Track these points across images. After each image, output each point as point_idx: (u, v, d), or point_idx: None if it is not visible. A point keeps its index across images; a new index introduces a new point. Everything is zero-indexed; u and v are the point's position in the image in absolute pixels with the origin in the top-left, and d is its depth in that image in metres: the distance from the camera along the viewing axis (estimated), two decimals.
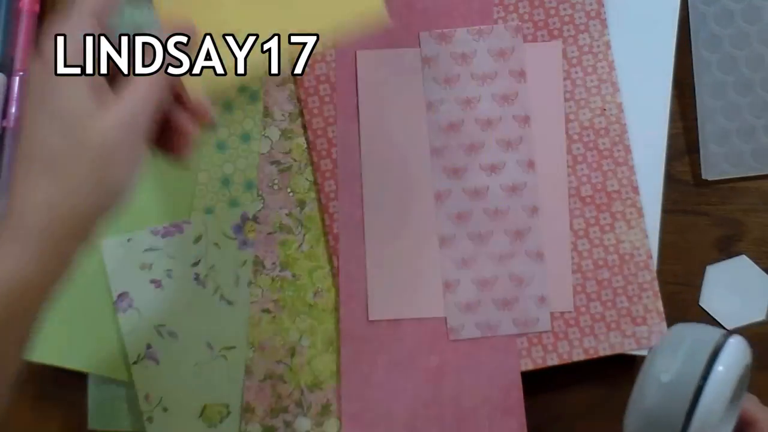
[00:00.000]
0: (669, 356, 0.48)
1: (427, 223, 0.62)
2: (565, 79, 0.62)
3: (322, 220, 0.62)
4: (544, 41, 0.63)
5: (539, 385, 0.61)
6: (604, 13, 0.62)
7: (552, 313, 0.61)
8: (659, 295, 0.61)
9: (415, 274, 0.61)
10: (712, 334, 0.49)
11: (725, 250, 0.63)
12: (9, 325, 0.46)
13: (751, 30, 0.62)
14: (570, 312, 0.61)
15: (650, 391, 0.48)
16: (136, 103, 0.47)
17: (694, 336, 0.49)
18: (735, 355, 0.48)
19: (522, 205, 0.61)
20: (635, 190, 0.61)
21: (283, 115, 0.63)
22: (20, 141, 0.47)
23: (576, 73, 0.62)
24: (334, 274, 0.62)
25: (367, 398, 0.61)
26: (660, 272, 0.61)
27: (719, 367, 0.47)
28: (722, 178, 0.63)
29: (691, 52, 0.63)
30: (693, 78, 0.63)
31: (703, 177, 0.62)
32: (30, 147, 0.46)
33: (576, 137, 0.62)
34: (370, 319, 0.61)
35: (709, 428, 0.47)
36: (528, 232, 0.61)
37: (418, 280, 0.61)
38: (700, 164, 0.63)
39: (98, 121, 0.45)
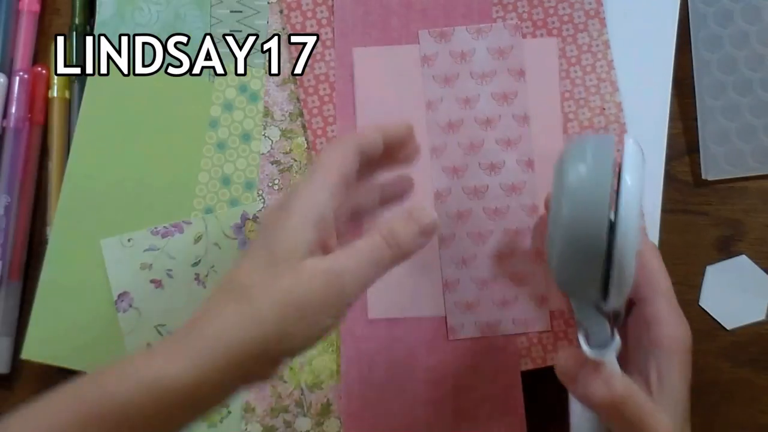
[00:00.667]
0: (578, 165, 0.47)
1: None
2: (564, 78, 0.62)
3: None
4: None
5: (539, 385, 0.61)
6: (603, 12, 0.63)
7: (552, 312, 0.61)
8: None
9: (415, 273, 0.61)
10: (609, 140, 0.49)
11: (725, 250, 0.63)
12: (150, 421, 0.44)
13: (751, 30, 0.62)
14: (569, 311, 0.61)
15: (567, 200, 0.47)
16: (347, 261, 0.47)
17: (595, 144, 0.48)
18: (635, 157, 0.48)
19: (521, 204, 0.61)
20: None
21: (283, 115, 0.63)
22: (235, 263, 0.47)
23: (575, 72, 0.62)
24: None
25: (367, 397, 0.61)
26: None
27: (626, 175, 0.47)
28: (722, 178, 0.63)
29: (691, 52, 0.63)
30: (693, 78, 0.63)
31: (703, 177, 0.62)
32: (233, 276, 0.46)
33: (575, 137, 0.62)
34: (369, 317, 0.61)
35: (631, 229, 0.46)
36: (528, 232, 0.61)
37: (418, 279, 0.61)
38: (700, 164, 0.63)
39: (303, 268, 0.46)
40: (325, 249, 0.47)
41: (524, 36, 0.62)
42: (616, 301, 0.49)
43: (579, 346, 0.50)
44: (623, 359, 0.52)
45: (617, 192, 0.47)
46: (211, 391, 0.45)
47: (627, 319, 0.54)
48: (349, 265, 0.47)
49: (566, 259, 0.48)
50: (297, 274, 0.46)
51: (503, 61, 0.62)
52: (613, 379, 0.49)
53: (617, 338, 0.50)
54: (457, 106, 0.62)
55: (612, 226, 0.47)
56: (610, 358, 0.50)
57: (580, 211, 0.47)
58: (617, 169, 0.48)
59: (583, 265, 0.47)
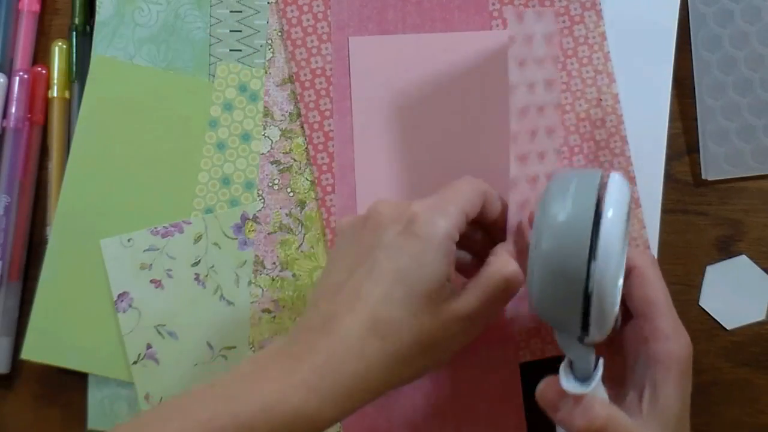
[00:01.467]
0: (560, 200, 0.47)
1: None
2: (560, 70, 0.62)
3: (320, 214, 0.62)
4: None
5: (538, 376, 0.61)
6: (600, 3, 0.63)
7: None
8: None
9: None
10: (594, 175, 0.49)
11: (725, 250, 0.63)
12: None
13: (750, 30, 0.62)
14: None
15: (547, 234, 0.47)
16: (482, 307, 0.48)
17: (579, 179, 0.48)
18: (620, 192, 0.48)
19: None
20: (632, 181, 0.62)
21: (283, 115, 0.63)
22: (350, 281, 0.48)
23: (572, 64, 0.62)
24: None
25: None
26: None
27: (608, 211, 0.46)
28: (722, 178, 0.63)
29: (691, 52, 0.63)
30: (693, 78, 0.63)
31: (703, 177, 0.62)
32: (366, 301, 0.47)
33: (572, 128, 0.62)
34: None
35: (611, 266, 0.46)
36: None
37: None
38: (699, 164, 0.63)
39: (443, 312, 0.47)
40: (450, 275, 0.49)
41: None
42: (597, 335, 0.48)
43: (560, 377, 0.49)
44: (621, 373, 0.52)
45: (598, 227, 0.46)
46: (330, 417, 0.46)
47: (624, 330, 0.53)
48: (482, 308, 0.48)
49: (545, 293, 0.47)
50: (438, 318, 0.47)
51: (551, 47, 0.60)
52: (593, 408, 0.48)
53: (600, 370, 0.49)
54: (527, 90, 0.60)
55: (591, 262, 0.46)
56: (591, 389, 0.49)
57: (559, 245, 0.46)
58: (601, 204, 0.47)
59: (562, 300, 0.47)
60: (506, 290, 0.50)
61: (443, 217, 0.48)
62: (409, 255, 0.47)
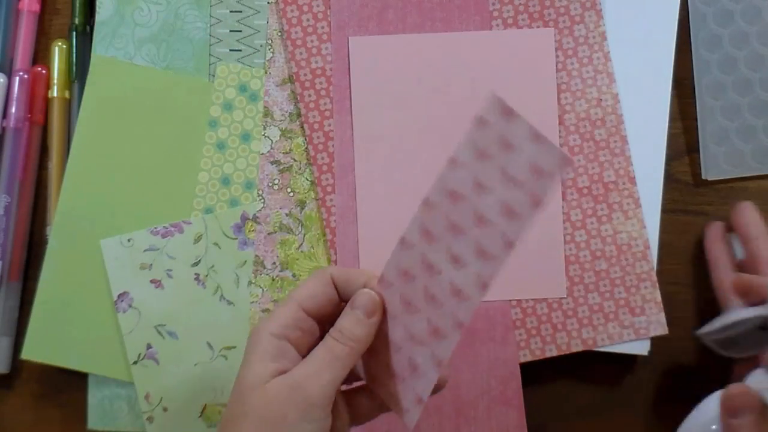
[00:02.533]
0: None
1: None
2: (560, 70, 0.62)
3: (320, 214, 0.62)
4: None
5: (539, 384, 0.61)
6: (600, 3, 0.63)
7: (550, 305, 0.61)
8: (657, 285, 0.61)
9: None
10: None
11: None
12: None
13: (750, 30, 0.62)
14: (567, 303, 0.61)
15: None
16: (306, 369, 0.49)
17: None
18: None
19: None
20: (632, 180, 0.62)
21: (283, 115, 0.63)
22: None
23: (572, 64, 0.62)
24: None
25: None
26: (660, 272, 0.61)
27: None
28: (722, 178, 0.63)
29: (691, 52, 0.63)
30: (693, 78, 0.63)
31: (703, 177, 0.62)
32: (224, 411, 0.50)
33: (572, 128, 0.62)
34: None
35: None
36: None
37: None
38: (700, 164, 0.63)
39: (268, 389, 0.48)
40: (285, 369, 0.49)
41: (520, 28, 0.63)
42: None
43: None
44: None
45: None
46: None
47: None
48: (309, 371, 0.48)
49: None
50: (263, 394, 0.48)
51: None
52: None
53: None
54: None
55: None
56: None
57: None
58: None
59: None
60: (337, 357, 0.50)
61: (270, 320, 0.49)
62: (243, 359, 0.49)
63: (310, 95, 0.63)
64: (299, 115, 0.63)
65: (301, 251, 0.62)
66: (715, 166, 0.62)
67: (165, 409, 0.61)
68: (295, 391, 0.48)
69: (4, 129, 0.63)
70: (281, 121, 0.63)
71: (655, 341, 0.61)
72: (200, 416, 0.62)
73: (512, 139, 0.47)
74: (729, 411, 0.52)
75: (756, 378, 0.53)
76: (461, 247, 0.49)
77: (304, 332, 0.50)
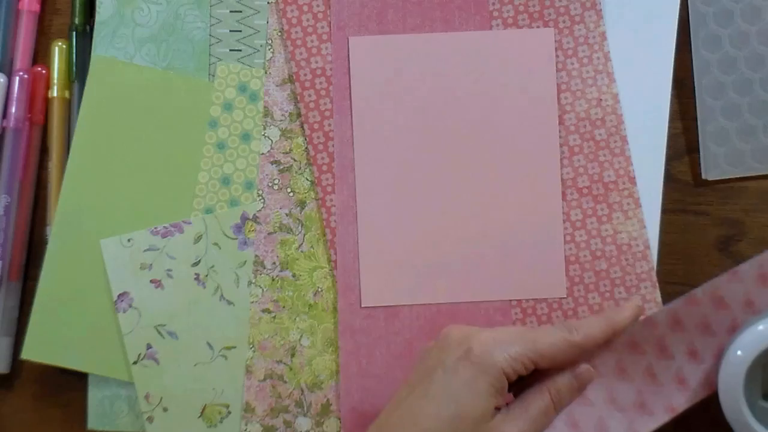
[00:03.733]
0: None
1: (421, 211, 0.62)
2: (560, 70, 0.62)
3: (320, 214, 0.62)
4: None
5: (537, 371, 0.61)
6: (600, 3, 0.63)
7: (550, 305, 0.61)
8: (657, 285, 0.61)
9: (409, 261, 0.61)
10: None
11: (725, 250, 0.63)
12: None
13: (751, 30, 0.62)
14: (567, 303, 0.61)
15: None
16: (526, 428, 0.51)
17: None
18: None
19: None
20: (632, 180, 0.62)
21: (283, 115, 0.63)
22: (408, 399, 0.52)
23: (572, 64, 0.62)
24: (334, 269, 0.62)
25: (366, 390, 0.61)
26: (660, 272, 0.61)
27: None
28: (722, 178, 0.63)
29: (691, 52, 0.63)
30: (693, 78, 0.63)
31: (703, 177, 0.62)
32: (416, 417, 0.50)
33: (572, 128, 0.62)
34: (363, 305, 0.61)
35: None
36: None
37: (412, 266, 0.61)
38: (700, 164, 0.63)
39: (488, 430, 0.50)
40: (499, 405, 0.51)
41: (520, 28, 0.63)
42: None
43: None
44: None
45: None
46: None
47: None
48: (525, 428, 0.51)
49: None
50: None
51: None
52: None
53: None
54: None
55: None
56: None
57: None
58: None
59: None
60: (547, 419, 0.52)
61: (502, 353, 0.51)
62: (461, 380, 0.50)
63: (310, 95, 0.63)
64: (299, 115, 0.63)
65: (301, 251, 0.62)
66: (715, 166, 0.62)
67: (165, 409, 0.61)
68: None
69: (4, 129, 0.63)
70: (281, 121, 0.63)
71: None
72: (200, 416, 0.62)
73: None
74: None
75: None
76: (706, 346, 0.56)
77: (518, 376, 0.52)
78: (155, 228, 0.62)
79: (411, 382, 0.53)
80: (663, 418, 0.56)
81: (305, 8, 0.63)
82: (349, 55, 0.63)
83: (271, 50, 0.63)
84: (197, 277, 0.62)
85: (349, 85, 0.62)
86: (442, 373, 0.51)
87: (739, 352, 0.54)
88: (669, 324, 0.56)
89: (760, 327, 0.54)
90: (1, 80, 0.63)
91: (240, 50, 0.63)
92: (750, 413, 0.53)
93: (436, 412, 0.50)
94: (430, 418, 0.50)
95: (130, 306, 0.62)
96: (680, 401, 0.55)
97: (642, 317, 0.57)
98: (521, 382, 0.53)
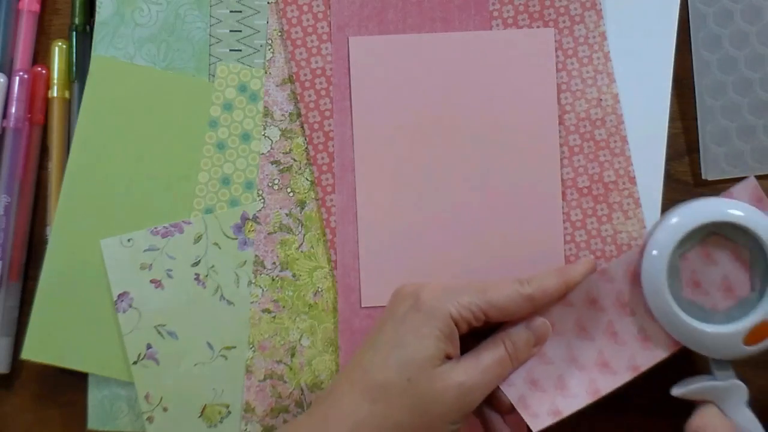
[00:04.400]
0: None
1: (421, 211, 0.62)
2: (560, 70, 0.62)
3: (320, 214, 0.62)
4: None
5: None
6: (600, 3, 0.63)
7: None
8: None
9: (409, 261, 0.61)
10: None
11: None
12: None
13: (751, 30, 0.62)
14: None
15: None
16: (479, 376, 0.50)
17: None
18: None
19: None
20: (632, 180, 0.62)
21: (283, 115, 0.63)
22: (358, 355, 0.52)
23: (572, 64, 0.62)
24: (334, 269, 0.62)
25: None
26: None
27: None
28: (722, 178, 0.63)
29: (691, 52, 0.63)
30: (693, 78, 0.63)
31: (703, 177, 0.62)
32: (365, 368, 0.50)
33: (572, 128, 0.62)
34: (363, 305, 0.61)
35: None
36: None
37: (412, 266, 0.61)
38: (700, 164, 0.63)
39: (437, 377, 0.49)
40: (450, 353, 0.51)
41: (520, 28, 0.63)
42: None
43: None
44: None
45: None
46: None
47: None
48: (479, 380, 0.50)
49: None
50: (431, 384, 0.49)
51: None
52: None
53: None
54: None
55: None
56: None
57: None
58: None
59: None
60: (502, 369, 0.52)
61: (451, 300, 0.51)
62: (410, 326, 0.50)
63: (310, 95, 0.63)
64: (299, 115, 0.63)
65: (301, 251, 0.62)
66: (715, 166, 0.62)
67: (165, 409, 0.61)
68: (462, 398, 0.49)
69: (4, 129, 0.63)
70: (281, 121, 0.63)
71: None
72: (200, 416, 0.62)
73: None
74: None
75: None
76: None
77: (470, 327, 0.52)
78: (155, 228, 0.62)
79: (364, 339, 0.53)
80: (626, 376, 0.55)
81: (305, 8, 0.63)
82: (349, 55, 0.63)
83: (271, 50, 0.63)
84: (197, 277, 0.62)
85: (349, 85, 0.62)
86: (391, 323, 0.51)
87: (654, 252, 0.54)
88: (628, 278, 0.56)
89: (674, 220, 0.55)
90: (1, 80, 0.63)
91: (240, 50, 0.63)
92: (678, 307, 0.54)
93: (383, 360, 0.50)
94: (377, 367, 0.50)
95: (130, 306, 0.62)
96: (644, 360, 0.55)
97: (598, 270, 0.56)
98: (478, 340, 0.53)
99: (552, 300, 0.54)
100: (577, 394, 0.54)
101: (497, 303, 0.52)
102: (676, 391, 0.55)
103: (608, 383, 0.55)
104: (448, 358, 0.51)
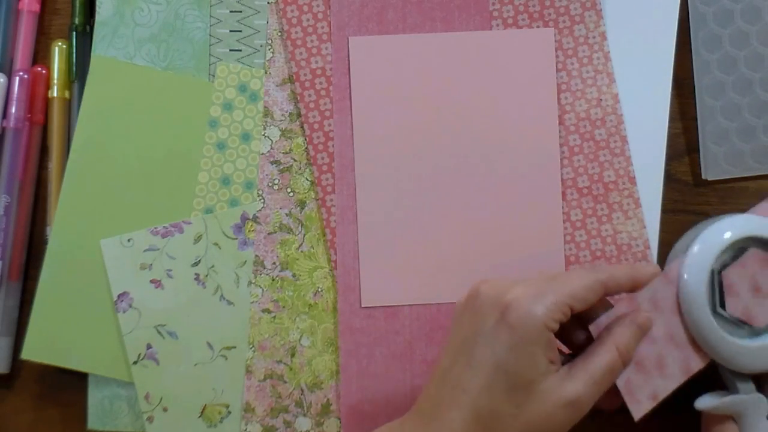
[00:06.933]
0: None
1: (421, 211, 0.62)
2: (560, 70, 0.62)
3: (320, 214, 0.62)
4: None
5: None
6: (600, 3, 0.63)
7: None
8: None
9: (409, 261, 0.61)
10: None
11: None
12: None
13: (751, 30, 0.62)
14: None
15: None
16: (591, 389, 0.48)
17: None
18: None
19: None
20: (632, 180, 0.62)
21: (283, 115, 0.63)
22: (449, 369, 0.50)
23: (572, 64, 0.62)
24: (333, 269, 0.62)
25: (365, 390, 0.61)
26: None
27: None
28: (722, 178, 0.63)
29: (691, 52, 0.63)
30: (693, 78, 0.63)
31: (703, 177, 0.62)
32: (467, 390, 0.48)
33: (573, 128, 0.62)
34: (363, 305, 0.61)
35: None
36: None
37: (412, 266, 0.61)
38: (700, 164, 0.63)
39: (547, 398, 0.47)
40: (552, 359, 0.49)
41: (520, 28, 0.63)
42: None
43: None
44: None
45: None
46: None
47: None
48: (591, 392, 0.48)
49: None
50: (543, 406, 0.47)
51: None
52: None
53: None
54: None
55: None
56: None
57: None
58: None
59: None
60: (613, 376, 0.50)
61: (540, 307, 0.48)
62: (505, 346, 0.48)
63: (310, 95, 0.63)
64: (299, 115, 0.63)
65: (301, 251, 0.62)
66: (715, 166, 0.62)
67: (165, 409, 0.61)
68: (574, 416, 0.48)
69: (4, 129, 0.63)
70: (281, 121, 0.63)
71: None
72: (200, 416, 0.62)
73: None
74: None
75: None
76: None
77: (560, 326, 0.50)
78: (155, 228, 0.62)
79: (451, 350, 0.51)
80: (706, 360, 0.54)
81: (305, 8, 0.63)
82: (349, 55, 0.63)
83: (271, 50, 0.63)
84: (197, 277, 0.62)
85: (349, 85, 0.62)
86: (482, 340, 0.48)
87: (685, 276, 0.53)
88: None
89: (713, 234, 0.54)
90: (1, 80, 0.63)
91: (240, 50, 0.63)
92: (716, 324, 0.53)
93: (487, 384, 0.48)
94: (482, 392, 0.48)
95: (130, 306, 0.62)
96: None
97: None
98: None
99: (620, 290, 0.52)
100: (673, 374, 0.53)
101: (580, 296, 0.49)
102: (702, 404, 0.54)
103: (698, 361, 0.53)
104: (551, 363, 0.49)
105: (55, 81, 0.63)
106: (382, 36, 0.63)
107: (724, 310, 0.53)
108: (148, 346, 0.62)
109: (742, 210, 0.62)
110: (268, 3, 0.63)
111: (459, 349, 0.50)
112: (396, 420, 0.52)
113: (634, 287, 0.53)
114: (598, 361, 0.50)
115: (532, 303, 0.48)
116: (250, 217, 0.63)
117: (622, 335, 0.51)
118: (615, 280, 0.51)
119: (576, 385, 0.48)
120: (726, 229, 0.53)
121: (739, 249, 0.53)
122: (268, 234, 0.62)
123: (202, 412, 0.62)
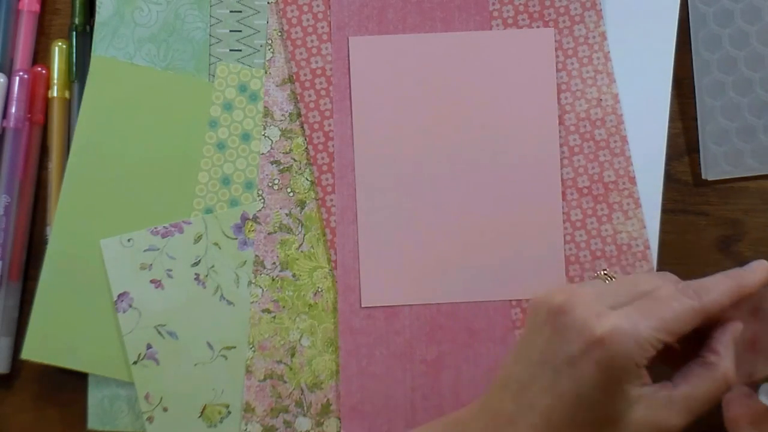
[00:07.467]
0: None
1: (421, 211, 0.62)
2: (560, 70, 0.62)
3: (320, 214, 0.62)
4: None
5: None
6: (600, 3, 0.63)
7: None
8: None
9: (409, 261, 0.61)
10: None
11: (725, 250, 0.63)
12: None
13: (751, 30, 0.62)
14: None
15: None
16: (687, 420, 0.46)
17: None
18: None
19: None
20: (632, 180, 0.62)
21: (283, 115, 0.63)
22: (520, 384, 0.46)
23: (572, 64, 0.62)
24: (333, 269, 0.62)
25: (365, 390, 0.61)
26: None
27: None
28: (722, 178, 0.63)
29: (691, 51, 0.63)
30: (693, 78, 0.63)
31: (703, 177, 0.62)
32: (545, 416, 0.45)
33: (572, 128, 0.62)
34: (363, 305, 0.61)
35: None
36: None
37: (412, 266, 0.61)
38: (700, 164, 0.63)
39: (635, 424, 0.44)
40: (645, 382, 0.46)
41: (520, 28, 0.63)
42: None
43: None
44: None
45: None
46: None
47: None
48: (685, 422, 0.45)
49: None
50: (625, 428, 0.45)
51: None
52: None
53: None
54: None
55: None
56: None
57: None
58: None
59: None
60: (717, 400, 0.47)
61: (631, 344, 0.44)
62: (591, 384, 0.44)
63: (310, 95, 0.63)
64: (299, 115, 0.63)
65: (301, 251, 0.62)
66: (715, 166, 0.62)
67: (165, 409, 0.61)
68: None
69: (4, 129, 0.63)
70: (281, 121, 0.63)
71: None
72: (200, 416, 0.62)
73: None
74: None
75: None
76: None
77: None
78: (155, 228, 0.62)
79: (525, 359, 0.47)
80: None
81: (305, 8, 0.63)
82: (349, 55, 0.63)
83: (271, 50, 0.63)
84: (197, 277, 0.62)
85: (349, 85, 0.62)
86: (565, 370, 0.44)
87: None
88: None
89: None
90: (1, 80, 0.63)
91: (240, 50, 0.63)
92: None
93: (570, 415, 0.44)
94: (563, 422, 0.44)
95: (130, 306, 0.62)
96: None
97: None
98: None
99: (723, 310, 0.48)
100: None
101: (675, 329, 0.45)
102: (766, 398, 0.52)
103: None
104: (642, 386, 0.45)
105: (55, 81, 0.63)
106: (382, 36, 0.63)
107: None
108: (148, 346, 0.62)
109: (742, 210, 0.63)
110: (268, 3, 0.63)
111: (538, 366, 0.46)
112: (463, 410, 0.49)
113: (740, 298, 0.49)
114: (703, 393, 0.46)
115: (625, 341, 0.44)
116: (250, 217, 0.63)
117: (731, 360, 0.47)
118: (718, 303, 0.48)
119: (671, 417, 0.45)
120: None
121: None
122: (268, 234, 0.62)
123: (202, 412, 0.62)
